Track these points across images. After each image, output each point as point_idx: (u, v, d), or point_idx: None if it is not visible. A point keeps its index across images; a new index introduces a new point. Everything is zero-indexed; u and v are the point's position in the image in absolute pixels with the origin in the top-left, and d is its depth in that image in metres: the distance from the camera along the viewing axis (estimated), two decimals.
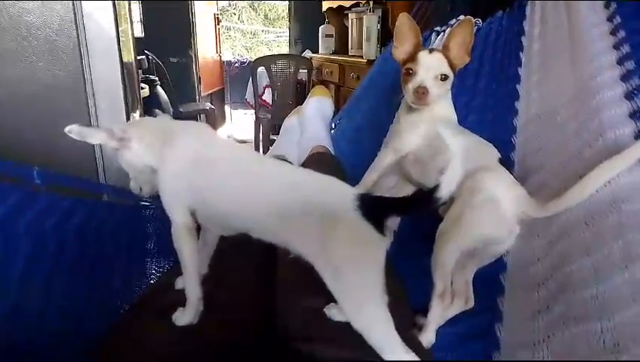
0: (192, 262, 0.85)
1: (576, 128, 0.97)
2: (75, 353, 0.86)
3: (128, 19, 1.99)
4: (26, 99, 1.47)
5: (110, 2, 1.52)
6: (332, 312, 0.86)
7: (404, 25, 1.14)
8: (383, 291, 0.72)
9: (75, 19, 1.47)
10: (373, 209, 0.72)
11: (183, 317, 0.85)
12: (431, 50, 1.11)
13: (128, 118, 1.70)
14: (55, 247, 0.83)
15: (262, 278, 1.07)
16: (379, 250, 0.72)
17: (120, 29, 1.62)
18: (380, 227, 0.71)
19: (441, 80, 1.09)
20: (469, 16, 1.09)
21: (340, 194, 0.75)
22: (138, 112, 2.14)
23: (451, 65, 1.10)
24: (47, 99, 1.49)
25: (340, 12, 3.99)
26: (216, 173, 0.82)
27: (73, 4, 1.44)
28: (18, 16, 1.42)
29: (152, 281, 1.27)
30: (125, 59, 1.67)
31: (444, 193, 0.67)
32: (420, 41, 1.14)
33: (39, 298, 0.80)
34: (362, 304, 0.72)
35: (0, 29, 1.41)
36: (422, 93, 1.07)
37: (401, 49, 1.15)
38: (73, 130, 0.79)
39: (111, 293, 1.08)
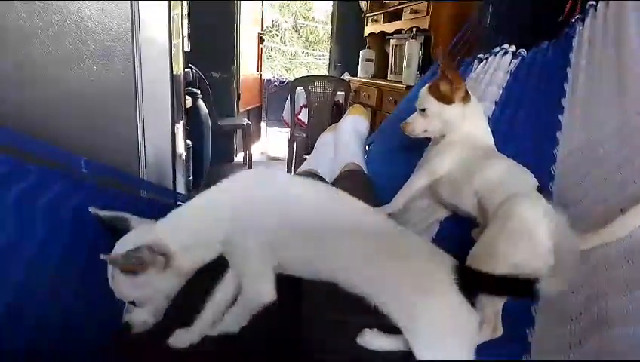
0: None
1: (619, 162, 0.95)
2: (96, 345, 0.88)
3: (180, 34, 2.09)
4: (79, 99, 1.54)
5: (166, 16, 1.59)
6: (365, 340, 0.83)
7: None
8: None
9: (132, 28, 1.54)
10: (469, 282, 0.73)
11: (184, 336, 0.81)
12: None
13: (174, 127, 1.76)
14: (93, 235, 0.85)
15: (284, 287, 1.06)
16: (471, 324, 0.73)
17: (173, 42, 1.70)
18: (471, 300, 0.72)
19: (422, 111, 1.21)
20: (446, 49, 1.17)
21: (441, 262, 0.76)
22: (182, 123, 2.21)
23: (445, 97, 1.16)
24: (98, 101, 1.56)
25: (381, 37, 4.04)
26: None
27: (131, 13, 1.52)
28: (79, 22, 1.51)
29: None
30: (175, 72, 1.74)
31: (548, 288, 0.70)
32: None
33: (76, 285, 0.82)
34: None
35: (62, 33, 1.50)
36: (405, 125, 1.25)
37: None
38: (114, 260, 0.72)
39: None
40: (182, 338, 0.81)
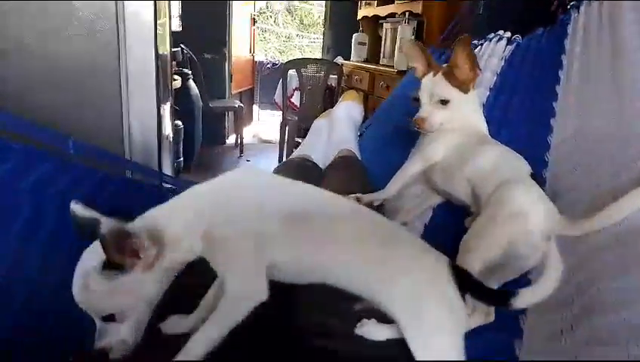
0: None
1: (613, 150, 0.95)
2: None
3: (168, 14, 2.04)
4: (64, 74, 1.51)
5: None
6: (363, 330, 0.83)
7: (410, 50, 1.19)
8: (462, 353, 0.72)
9: (116, 4, 1.51)
10: (461, 281, 0.74)
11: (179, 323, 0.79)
12: (436, 72, 1.13)
13: (159, 107, 1.73)
14: None
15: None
16: (464, 319, 0.75)
17: (159, 21, 1.67)
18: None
19: (442, 104, 1.12)
20: (466, 35, 1.11)
21: (437, 256, 0.77)
22: (169, 104, 2.18)
23: (461, 83, 1.11)
24: (83, 76, 1.53)
25: (375, 21, 4.00)
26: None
27: None
28: None
29: None
30: (161, 51, 1.71)
31: (520, 304, 0.71)
32: (430, 61, 1.17)
33: (61, 269, 0.81)
34: None
35: (43, 7, 1.45)
36: (420, 121, 1.12)
37: (417, 70, 1.20)
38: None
39: None
40: (176, 325, 0.79)
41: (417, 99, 1.14)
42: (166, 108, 2.03)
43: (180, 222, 0.70)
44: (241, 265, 0.70)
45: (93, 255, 0.64)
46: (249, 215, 0.71)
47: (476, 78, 1.12)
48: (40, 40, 1.46)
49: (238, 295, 0.69)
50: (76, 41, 1.50)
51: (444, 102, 1.11)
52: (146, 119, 1.69)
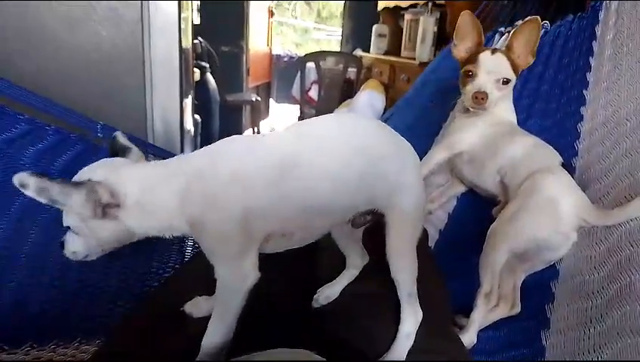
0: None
1: None
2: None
3: (190, 7, 2.05)
4: (88, 64, 1.52)
5: None
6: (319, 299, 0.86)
7: (467, 22, 1.12)
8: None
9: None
10: None
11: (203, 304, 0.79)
12: (493, 51, 1.08)
13: (182, 101, 1.74)
14: None
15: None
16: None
17: (182, 15, 1.67)
18: None
19: (503, 83, 1.07)
20: (536, 16, 1.06)
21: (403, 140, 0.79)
22: (190, 98, 2.19)
23: (515, 67, 1.07)
24: (106, 66, 1.54)
25: (395, 12, 3.95)
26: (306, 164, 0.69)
27: None
28: None
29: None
30: (184, 45, 1.72)
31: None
32: (482, 40, 1.12)
33: None
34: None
35: None
36: (481, 98, 1.05)
37: (461, 47, 1.14)
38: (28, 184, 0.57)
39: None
40: (199, 307, 0.80)
41: (469, 74, 1.08)
42: (187, 103, 2.04)
43: (150, 198, 0.66)
44: (228, 252, 0.67)
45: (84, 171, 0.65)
46: (233, 193, 0.66)
47: (528, 65, 1.09)
48: (65, 29, 1.48)
49: (230, 283, 0.68)
50: (101, 31, 1.51)
51: (506, 81, 1.07)
52: (169, 113, 1.70)
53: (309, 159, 0.68)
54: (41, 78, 1.49)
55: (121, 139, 0.72)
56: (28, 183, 0.56)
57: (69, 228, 0.66)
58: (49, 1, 1.44)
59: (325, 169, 0.68)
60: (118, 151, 0.71)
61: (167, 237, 0.70)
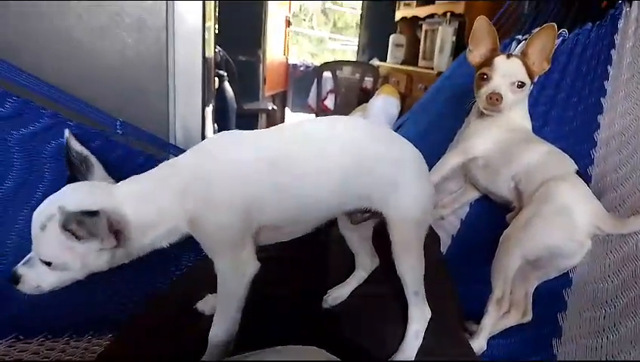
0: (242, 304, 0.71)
1: None
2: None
3: (213, 17, 2.08)
4: (112, 71, 1.56)
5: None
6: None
7: (482, 27, 1.13)
8: None
9: (166, 3, 1.54)
10: None
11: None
12: (509, 56, 1.09)
13: (204, 109, 1.76)
14: None
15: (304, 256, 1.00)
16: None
17: (206, 25, 1.70)
18: None
19: (518, 87, 1.07)
20: (552, 23, 1.06)
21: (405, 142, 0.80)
22: (211, 106, 2.21)
23: (530, 73, 1.07)
24: (130, 73, 1.57)
25: (413, 22, 3.96)
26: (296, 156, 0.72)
27: None
28: None
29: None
30: (207, 54, 1.74)
31: None
32: (497, 45, 1.13)
33: None
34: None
35: (97, 4, 1.51)
36: (495, 99, 1.05)
37: (476, 52, 1.14)
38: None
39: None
40: (211, 305, 0.82)
41: (484, 77, 1.08)
42: (209, 111, 2.06)
43: (153, 209, 0.67)
44: (227, 242, 0.69)
45: (71, 197, 0.62)
46: (232, 186, 0.68)
47: (544, 71, 1.09)
48: (90, 37, 1.51)
49: (231, 274, 0.69)
50: (126, 39, 1.55)
51: (521, 85, 1.06)
52: (191, 121, 1.71)
53: (295, 153, 0.71)
54: (68, 83, 1.53)
55: (75, 145, 0.69)
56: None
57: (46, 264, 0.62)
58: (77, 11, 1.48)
59: (310, 164, 0.71)
60: (79, 162, 0.69)
61: (165, 246, 0.70)
